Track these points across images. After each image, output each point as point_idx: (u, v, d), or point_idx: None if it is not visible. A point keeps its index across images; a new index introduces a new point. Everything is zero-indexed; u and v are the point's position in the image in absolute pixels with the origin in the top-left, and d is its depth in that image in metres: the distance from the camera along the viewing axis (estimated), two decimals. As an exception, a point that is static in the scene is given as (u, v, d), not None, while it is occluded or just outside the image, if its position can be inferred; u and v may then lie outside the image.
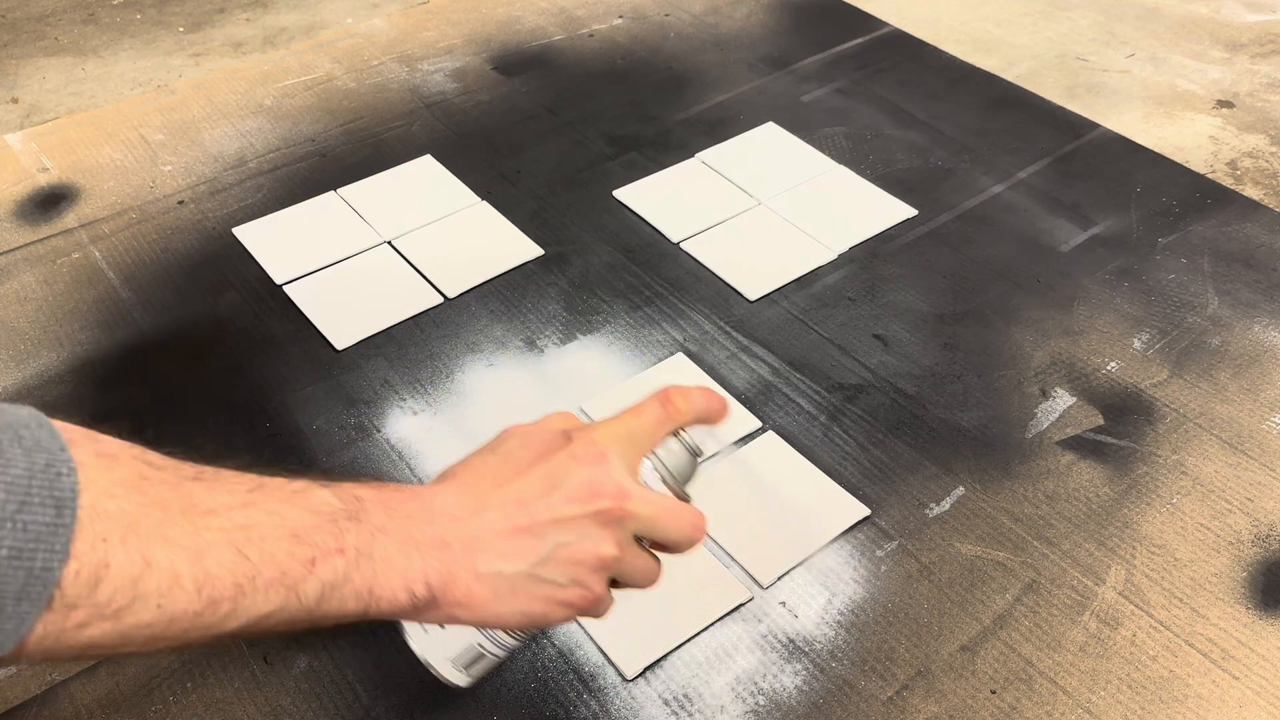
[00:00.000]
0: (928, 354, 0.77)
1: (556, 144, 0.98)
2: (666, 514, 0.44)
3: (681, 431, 0.47)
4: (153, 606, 0.34)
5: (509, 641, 0.45)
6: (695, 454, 0.47)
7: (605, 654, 0.58)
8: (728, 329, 0.79)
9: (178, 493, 0.35)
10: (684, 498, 0.47)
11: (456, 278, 0.83)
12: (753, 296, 0.81)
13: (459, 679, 0.46)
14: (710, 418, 0.47)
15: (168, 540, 0.34)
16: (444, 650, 0.45)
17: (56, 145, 0.97)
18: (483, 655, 0.45)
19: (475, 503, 0.42)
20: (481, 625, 0.44)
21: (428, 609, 0.41)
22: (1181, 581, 0.62)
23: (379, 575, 0.39)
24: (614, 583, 0.46)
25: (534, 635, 0.52)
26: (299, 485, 0.38)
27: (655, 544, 0.45)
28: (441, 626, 0.45)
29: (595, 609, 0.45)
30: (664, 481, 0.46)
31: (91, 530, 0.32)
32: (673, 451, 0.46)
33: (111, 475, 0.34)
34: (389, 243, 0.86)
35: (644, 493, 0.44)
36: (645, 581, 0.46)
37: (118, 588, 0.33)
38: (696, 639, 0.59)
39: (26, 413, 0.33)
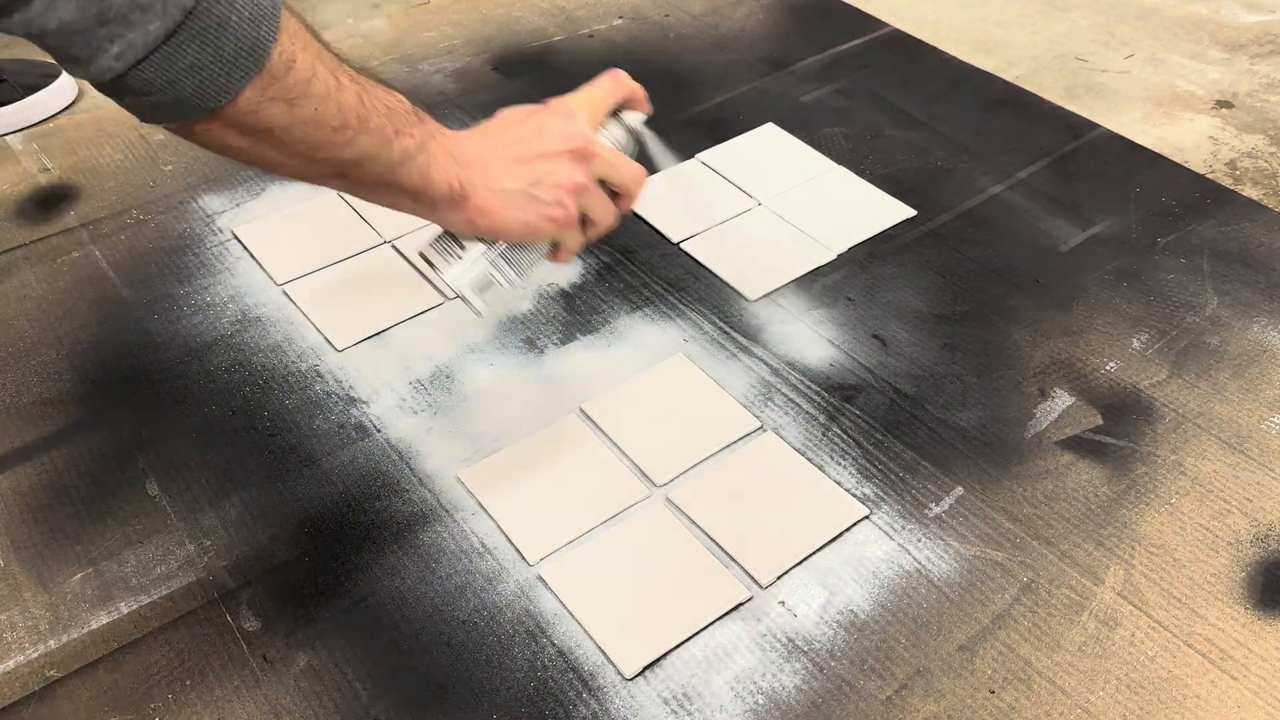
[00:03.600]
0: (927, 354, 0.77)
1: (556, 144, 0.97)
2: (620, 159, 0.60)
3: (620, 113, 0.63)
4: (312, 109, 0.47)
5: (510, 273, 0.60)
6: (631, 132, 0.64)
7: (605, 653, 0.59)
8: (727, 329, 0.79)
9: (322, 48, 0.48)
10: None
11: (456, 277, 0.83)
12: (752, 296, 0.81)
13: (479, 305, 0.60)
14: (639, 103, 0.64)
15: (326, 66, 0.47)
16: (466, 276, 0.59)
17: (58, 145, 0.97)
18: (492, 282, 0.60)
19: (487, 141, 0.58)
20: (492, 233, 0.58)
21: (458, 208, 0.56)
22: (1180, 582, 0.63)
23: (432, 165, 0.54)
24: (583, 224, 0.60)
25: (532, 263, 0.62)
26: (382, 84, 0.53)
27: (611, 191, 0.61)
28: (461, 247, 0.59)
29: (571, 232, 0.59)
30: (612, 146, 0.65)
31: (288, 32, 0.45)
32: (617, 125, 0.64)
33: (291, 22, 0.46)
34: (390, 243, 0.86)
35: (602, 143, 0.60)
36: (605, 218, 0.61)
37: (297, 80, 0.45)
38: (696, 638, 0.59)
39: None
